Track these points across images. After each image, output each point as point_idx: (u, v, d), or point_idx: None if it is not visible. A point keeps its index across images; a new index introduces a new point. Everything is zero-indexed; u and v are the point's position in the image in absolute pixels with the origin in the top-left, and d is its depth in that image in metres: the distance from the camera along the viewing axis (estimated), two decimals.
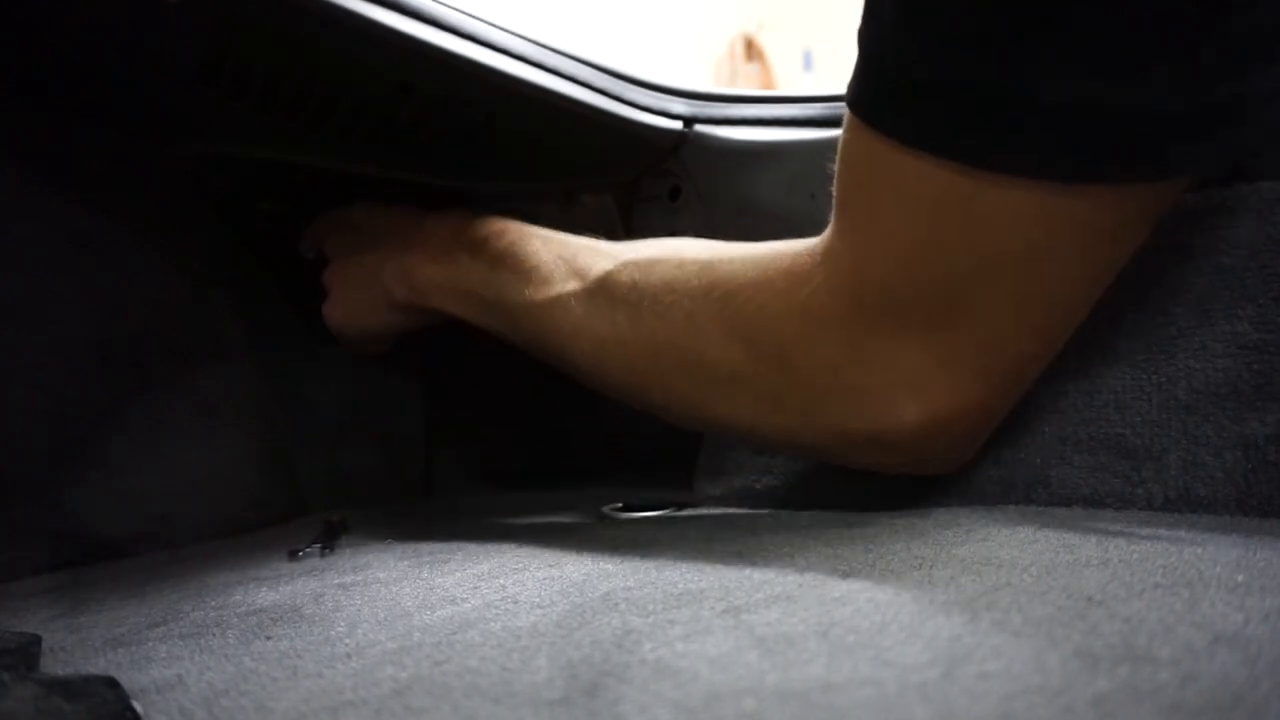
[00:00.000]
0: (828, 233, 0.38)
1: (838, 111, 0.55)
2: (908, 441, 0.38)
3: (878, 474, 0.45)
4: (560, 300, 0.48)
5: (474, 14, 0.51)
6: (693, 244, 0.46)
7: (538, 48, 0.53)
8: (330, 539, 0.49)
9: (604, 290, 0.46)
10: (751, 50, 3.67)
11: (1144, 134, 0.29)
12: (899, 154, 0.32)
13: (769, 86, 3.63)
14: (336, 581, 0.39)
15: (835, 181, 0.37)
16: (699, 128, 0.58)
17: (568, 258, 0.49)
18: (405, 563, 0.42)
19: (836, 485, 0.47)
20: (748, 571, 0.32)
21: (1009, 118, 0.30)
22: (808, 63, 3.71)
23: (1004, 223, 0.32)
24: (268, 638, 0.30)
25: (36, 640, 0.29)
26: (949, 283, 0.34)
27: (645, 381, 0.46)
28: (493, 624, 0.28)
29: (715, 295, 0.41)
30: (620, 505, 0.56)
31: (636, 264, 0.46)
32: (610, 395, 0.51)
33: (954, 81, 0.30)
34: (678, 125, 0.58)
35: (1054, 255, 0.33)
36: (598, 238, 0.51)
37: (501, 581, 0.35)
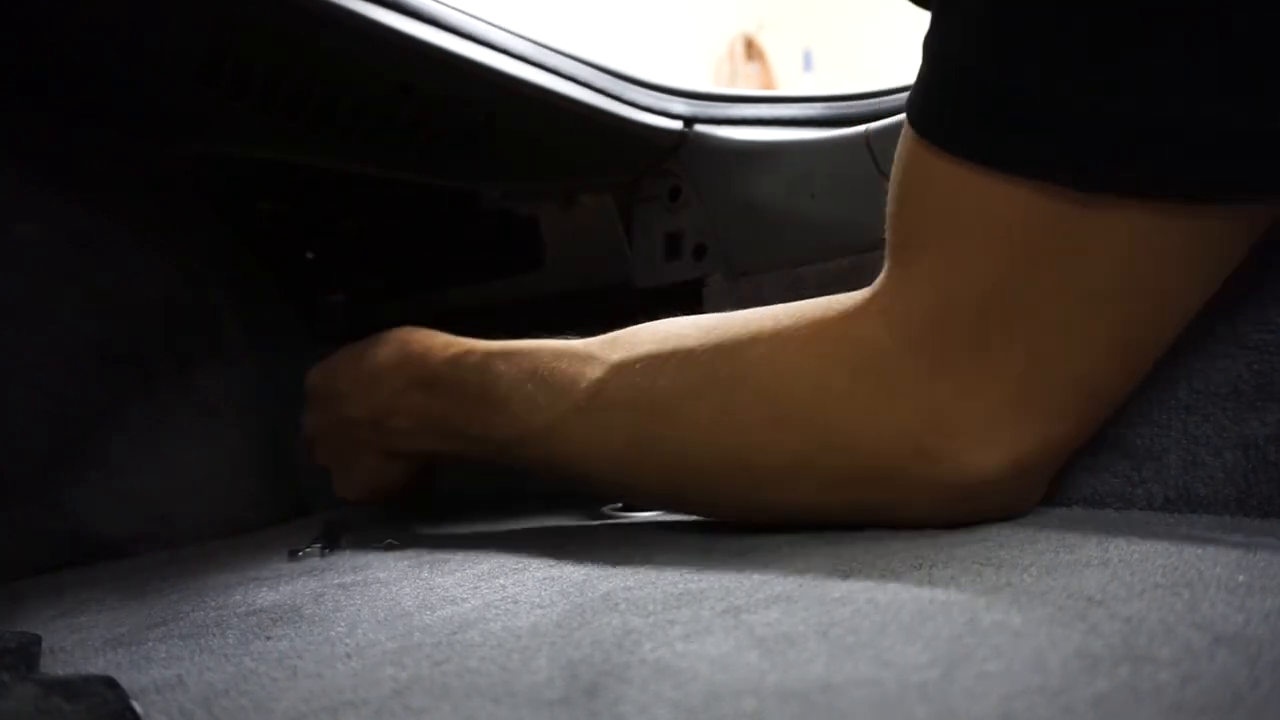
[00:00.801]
0: (882, 279, 0.34)
1: (838, 111, 0.55)
2: (991, 491, 0.34)
3: None
4: (552, 428, 0.42)
5: (474, 14, 0.51)
6: (687, 326, 0.40)
7: (538, 48, 0.53)
8: (330, 539, 0.49)
9: (603, 407, 0.40)
10: (751, 50, 3.67)
11: (1257, 151, 0.27)
12: (987, 180, 0.29)
13: (769, 86, 3.63)
14: (336, 581, 0.39)
15: (894, 216, 0.33)
16: (699, 128, 0.58)
17: (543, 375, 0.43)
18: (405, 563, 0.42)
19: None
20: (748, 571, 0.32)
21: (1119, 137, 0.27)
22: (808, 63, 3.71)
23: (1108, 250, 0.29)
24: (268, 638, 0.30)
25: (36, 640, 0.29)
26: (1038, 318, 0.31)
27: (681, 491, 0.41)
28: (493, 624, 0.28)
29: (749, 384, 0.36)
30: (620, 505, 0.56)
31: (632, 368, 0.40)
32: (641, 504, 0.46)
33: (1055, 100, 0.27)
34: (678, 125, 0.58)
35: (1156, 282, 0.30)
36: (567, 336, 0.45)
37: (501, 581, 0.35)
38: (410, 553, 0.45)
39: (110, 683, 0.23)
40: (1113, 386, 0.34)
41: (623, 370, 0.40)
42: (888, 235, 0.34)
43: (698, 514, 0.45)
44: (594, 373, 0.41)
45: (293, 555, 0.46)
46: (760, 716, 0.18)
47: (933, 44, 0.31)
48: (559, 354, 0.43)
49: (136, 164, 0.59)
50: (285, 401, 0.68)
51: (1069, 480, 0.40)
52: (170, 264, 0.59)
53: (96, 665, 0.29)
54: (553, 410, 0.42)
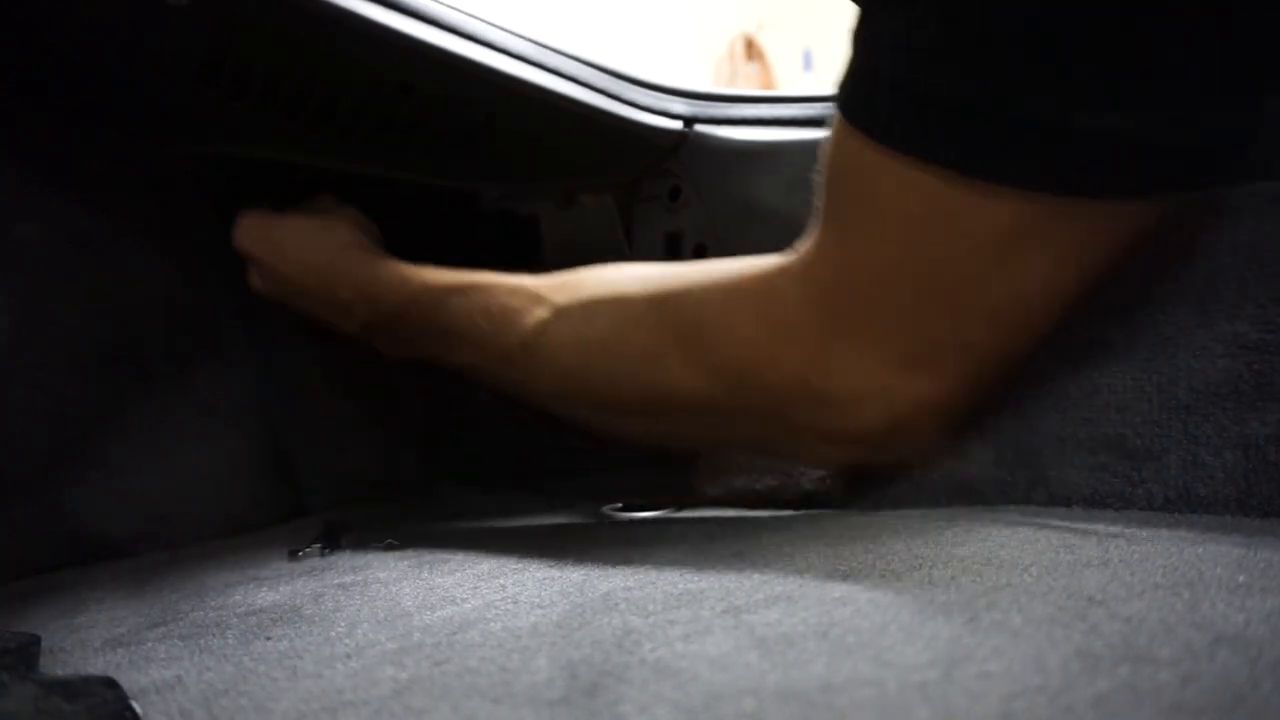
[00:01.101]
0: (804, 244, 0.38)
1: None
2: (874, 439, 0.39)
3: (877, 475, 0.45)
4: (501, 360, 0.48)
5: (474, 14, 0.51)
6: (630, 275, 0.45)
7: (538, 48, 0.53)
8: (330, 539, 0.49)
9: (546, 344, 0.45)
10: (751, 50, 3.67)
11: (1133, 156, 0.30)
12: (893, 162, 0.32)
13: (769, 86, 3.63)
14: (336, 581, 0.39)
15: (820, 188, 0.37)
16: (699, 128, 0.58)
17: (494, 312, 0.47)
18: (405, 563, 0.42)
19: (837, 485, 0.47)
20: (748, 571, 0.32)
21: (1007, 133, 0.30)
22: (808, 63, 3.71)
23: (988, 234, 0.33)
24: (268, 638, 0.30)
25: (36, 640, 0.29)
26: (924, 291, 0.35)
27: (609, 420, 0.47)
28: (493, 624, 0.28)
29: (673, 328, 0.41)
30: (620, 505, 0.56)
31: (574, 310, 0.44)
32: (574, 425, 0.51)
33: (955, 95, 0.30)
34: (678, 125, 0.58)
35: (1030, 266, 0.34)
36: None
37: (501, 581, 0.35)
38: (410, 553, 0.45)
39: (110, 683, 0.23)
40: (994, 356, 0.37)
41: (565, 312, 0.45)
42: (815, 204, 0.37)
43: (622, 438, 0.49)
44: (540, 313, 0.45)
45: (293, 555, 0.46)
46: (760, 716, 0.18)
47: (860, 36, 0.33)
48: (511, 291, 0.48)
49: (136, 164, 0.59)
50: (285, 401, 0.68)
51: (1069, 480, 0.40)
52: (170, 264, 0.59)
53: (96, 665, 0.29)
54: (501, 344, 0.47)
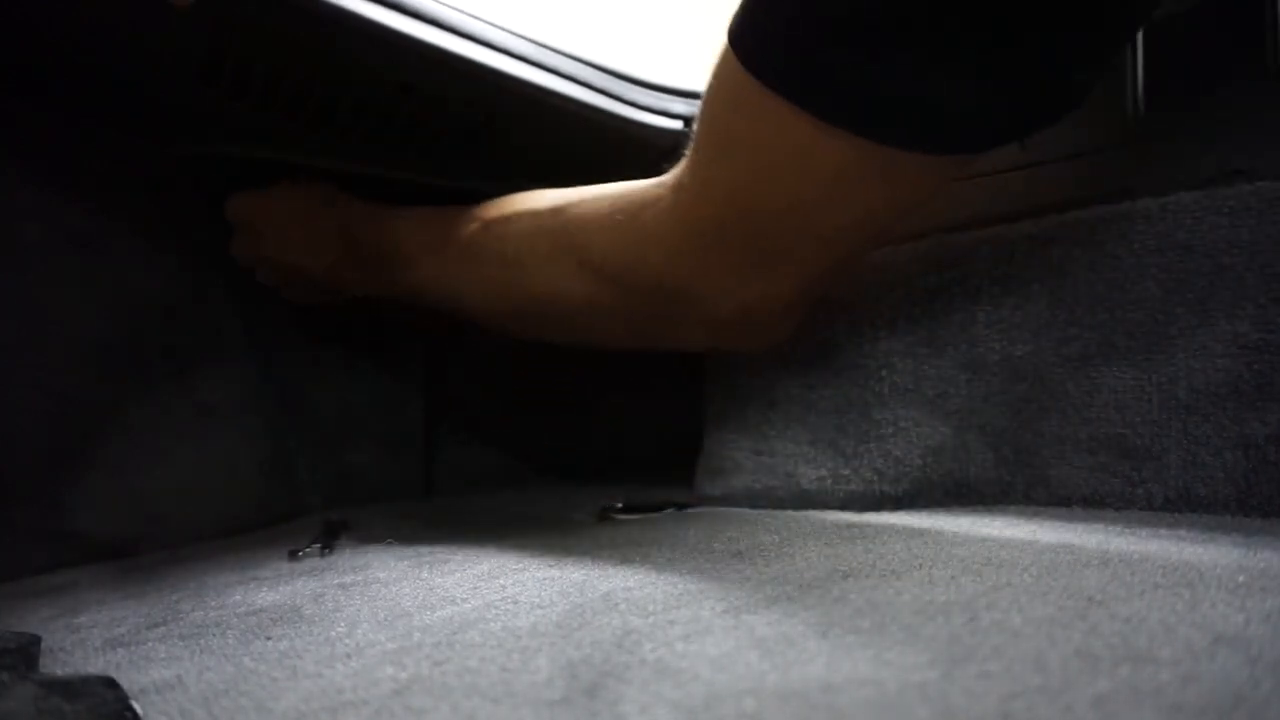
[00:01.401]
0: (679, 167, 0.43)
1: None
2: (728, 328, 0.48)
3: (877, 474, 0.46)
4: (440, 274, 0.56)
5: (474, 14, 0.51)
6: (544, 194, 0.52)
7: (538, 48, 0.53)
8: (330, 539, 0.49)
9: (473, 255, 0.54)
10: None
11: (936, 121, 0.36)
12: (760, 95, 0.36)
13: None
14: (336, 581, 0.39)
15: (700, 116, 0.42)
16: None
17: (437, 230, 0.56)
18: (405, 563, 0.42)
19: (836, 485, 0.47)
20: (748, 572, 0.32)
21: (849, 87, 0.35)
22: None
23: (826, 169, 0.38)
24: (268, 638, 0.30)
25: (36, 640, 0.29)
26: (769, 213, 0.41)
27: (524, 322, 0.56)
28: (493, 624, 0.28)
29: (567, 236, 0.49)
30: (620, 505, 0.56)
31: (495, 223, 0.53)
32: (506, 334, 0.60)
33: (816, 50, 0.34)
34: (678, 125, 0.58)
35: (856, 200, 0.40)
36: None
37: (501, 581, 0.35)
38: (410, 553, 0.45)
39: (110, 683, 0.23)
40: (817, 270, 0.45)
41: (490, 225, 0.53)
42: (693, 130, 0.42)
43: (539, 339, 0.59)
44: (472, 226, 0.54)
45: (293, 555, 0.46)
46: (760, 716, 0.18)
47: None
48: (455, 213, 0.56)
49: (136, 164, 0.59)
50: (285, 401, 0.68)
51: (1069, 480, 0.40)
52: (170, 264, 0.59)
53: (96, 665, 0.29)
54: (444, 259, 0.56)
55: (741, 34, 0.37)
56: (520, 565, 0.38)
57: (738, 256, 0.44)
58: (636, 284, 0.47)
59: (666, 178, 0.45)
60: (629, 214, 0.46)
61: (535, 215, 0.51)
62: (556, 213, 0.50)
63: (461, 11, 0.50)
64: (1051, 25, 0.32)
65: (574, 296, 0.50)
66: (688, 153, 0.43)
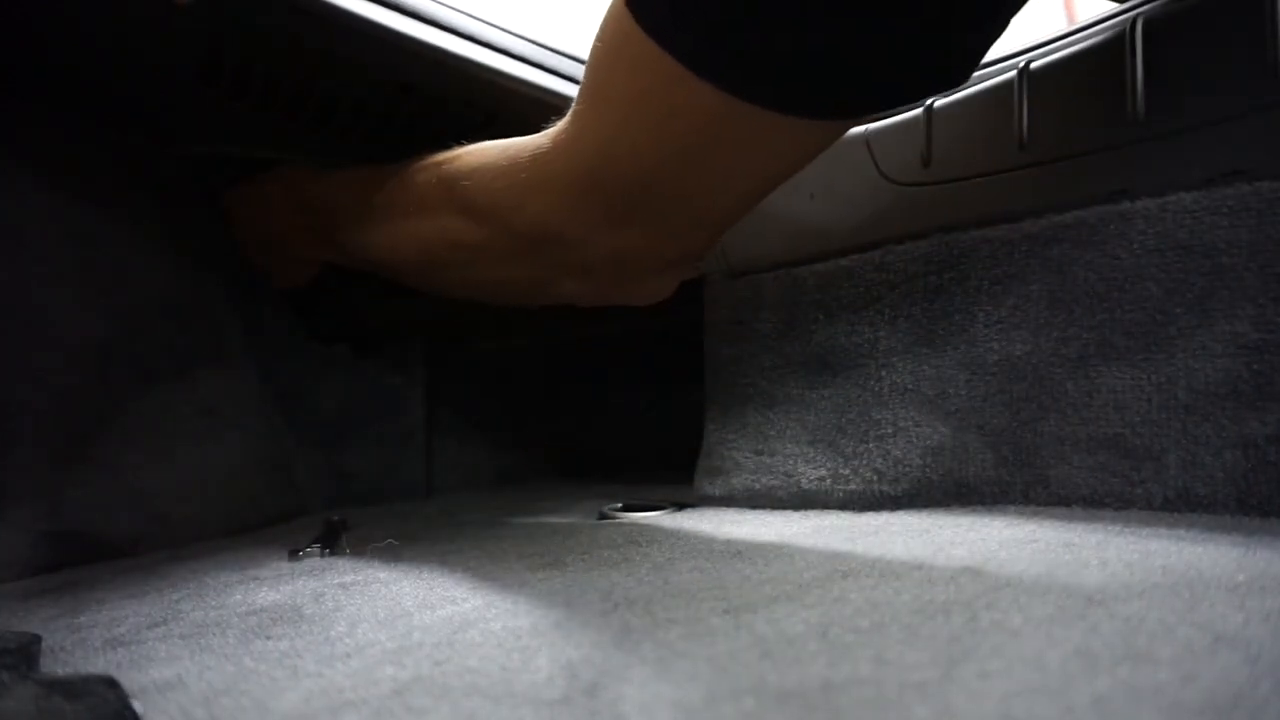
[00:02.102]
0: (565, 119, 0.44)
1: None
2: (604, 275, 0.51)
3: (877, 474, 0.45)
4: (361, 226, 0.59)
5: (474, 14, 0.51)
6: (458, 150, 0.53)
7: (538, 48, 0.53)
8: (330, 539, 0.49)
9: (383, 208, 0.57)
10: None
11: (825, 82, 0.35)
12: (640, 42, 0.36)
13: None
14: (336, 581, 0.39)
15: (588, 70, 0.42)
16: None
17: (359, 188, 0.58)
18: (405, 563, 0.42)
19: (836, 485, 0.47)
20: (748, 572, 0.32)
21: (727, 44, 0.35)
22: None
23: (695, 124, 0.38)
24: (268, 637, 0.30)
25: (36, 640, 0.29)
26: (637, 169, 0.42)
27: (423, 273, 0.60)
28: (493, 623, 0.28)
29: (454, 183, 0.51)
30: (620, 505, 0.56)
31: (404, 175, 0.55)
32: (417, 287, 0.64)
33: (711, 7, 0.34)
34: None
35: (720, 159, 0.40)
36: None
37: (502, 581, 0.35)
38: (410, 553, 0.45)
39: (110, 683, 0.23)
40: (680, 224, 0.47)
41: (401, 180, 0.55)
42: (582, 82, 0.42)
43: (441, 292, 0.63)
44: (388, 184, 0.56)
45: (293, 555, 0.46)
46: (760, 716, 0.18)
47: None
48: (377, 173, 0.58)
49: (136, 164, 0.59)
50: (285, 402, 0.68)
51: (1069, 480, 0.40)
52: (170, 264, 0.59)
53: (96, 665, 0.29)
54: (361, 215, 0.58)
55: None
56: (520, 565, 0.38)
57: (610, 207, 0.45)
58: (516, 228, 0.49)
59: (552, 129, 0.46)
60: (513, 160, 0.47)
61: (434, 164, 0.53)
62: (452, 160, 0.52)
63: (461, 12, 0.50)
64: None
65: (460, 242, 0.53)
66: (573, 105, 0.44)
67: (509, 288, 0.57)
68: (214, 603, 0.37)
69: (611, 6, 0.39)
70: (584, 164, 0.44)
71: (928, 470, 0.44)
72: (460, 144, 0.59)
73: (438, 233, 0.54)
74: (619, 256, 0.48)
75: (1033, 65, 0.43)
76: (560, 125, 0.45)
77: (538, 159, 0.46)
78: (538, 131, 0.58)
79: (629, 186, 0.43)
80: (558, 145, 0.45)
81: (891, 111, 0.51)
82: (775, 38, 0.33)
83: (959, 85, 0.38)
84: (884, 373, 0.47)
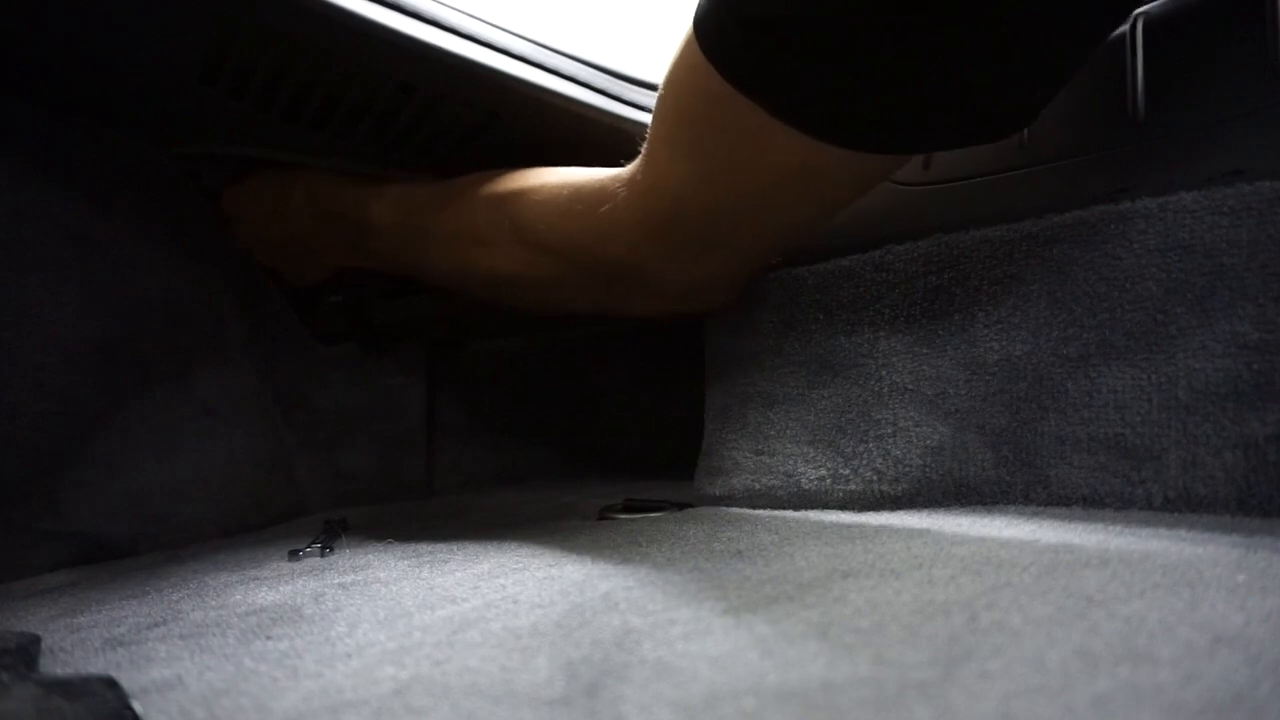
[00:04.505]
0: (636, 162, 0.46)
1: None
2: (679, 299, 0.53)
3: (877, 474, 0.46)
4: (408, 242, 0.61)
5: (475, 14, 0.51)
6: (501, 177, 0.56)
7: (538, 48, 0.53)
8: (330, 539, 0.49)
9: (437, 229, 0.58)
10: None
11: (904, 124, 0.37)
12: (726, 89, 0.37)
13: None
14: (336, 581, 0.39)
15: (657, 107, 0.43)
16: None
17: (400, 205, 0.60)
18: (405, 563, 0.42)
19: (836, 485, 0.47)
20: (748, 572, 0.32)
21: (810, 93, 0.36)
22: None
23: (778, 168, 0.40)
24: (268, 638, 0.30)
25: (36, 640, 0.29)
26: (722, 211, 0.44)
27: (490, 291, 0.61)
28: (493, 624, 0.28)
29: (528, 222, 0.53)
30: (620, 505, 0.56)
31: (462, 203, 0.57)
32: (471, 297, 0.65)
33: (789, 53, 0.34)
34: None
35: (798, 199, 0.42)
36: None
37: (501, 581, 0.35)
38: (410, 553, 0.45)
39: (110, 683, 0.23)
40: (762, 256, 0.51)
41: (455, 206, 0.57)
42: (651, 125, 0.44)
43: (509, 306, 0.64)
44: (436, 205, 0.58)
45: (293, 555, 0.46)
46: (760, 716, 0.18)
47: None
48: (420, 193, 0.60)
49: (136, 164, 0.59)
50: (285, 401, 0.68)
51: (1069, 480, 0.40)
52: (170, 264, 0.59)
53: (96, 665, 0.29)
54: (408, 232, 0.60)
55: (705, 21, 0.37)
56: (520, 565, 0.38)
57: (688, 246, 0.48)
58: (594, 265, 0.52)
59: (623, 171, 0.47)
60: (588, 205, 0.49)
61: (499, 199, 0.55)
62: (518, 198, 0.53)
63: (462, 12, 0.50)
64: (1010, 43, 0.33)
65: (537, 274, 0.55)
66: (644, 148, 0.45)
67: (583, 309, 0.60)
68: (214, 603, 0.37)
69: (683, 58, 0.40)
70: (662, 208, 0.45)
71: (928, 470, 0.44)
72: (470, 146, 0.59)
73: (509, 264, 0.55)
74: (696, 283, 0.51)
75: None
76: (633, 169, 0.46)
77: (615, 206, 0.47)
78: (537, 131, 0.58)
79: (710, 228, 0.46)
80: (634, 189, 0.46)
81: None
82: (865, 89, 0.34)
83: (1018, 130, 0.40)
84: (884, 373, 0.47)
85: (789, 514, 0.47)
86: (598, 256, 0.51)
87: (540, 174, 0.54)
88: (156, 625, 0.34)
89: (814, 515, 0.46)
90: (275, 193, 0.65)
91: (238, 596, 0.37)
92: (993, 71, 0.34)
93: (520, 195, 0.54)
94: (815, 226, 0.48)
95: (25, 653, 0.28)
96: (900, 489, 0.45)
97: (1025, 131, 0.43)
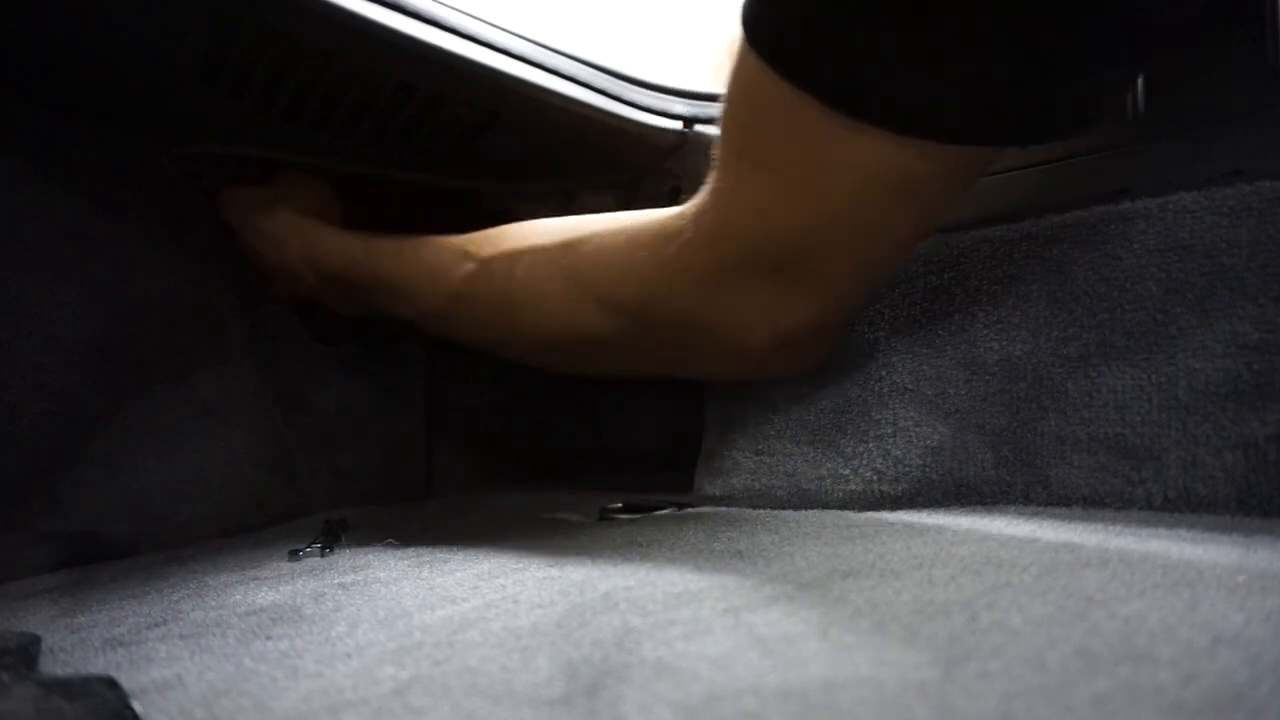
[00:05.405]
0: (700, 194, 0.41)
1: None
2: (762, 357, 0.45)
3: (877, 474, 0.46)
4: (435, 311, 0.55)
5: (475, 15, 0.51)
6: (546, 227, 0.50)
7: (539, 48, 0.53)
8: (330, 539, 0.49)
9: (474, 295, 0.52)
10: None
11: (990, 109, 0.33)
12: (792, 94, 0.34)
13: None
14: (336, 581, 0.39)
15: (724, 129, 0.39)
16: (699, 128, 0.58)
17: (425, 269, 0.54)
18: (405, 563, 0.42)
19: (836, 485, 0.47)
20: (748, 571, 0.32)
21: (895, 81, 0.32)
22: None
23: (868, 177, 0.35)
24: (268, 638, 0.30)
25: (36, 640, 0.29)
26: (803, 229, 0.38)
27: (539, 356, 0.55)
28: (493, 623, 0.28)
29: (581, 275, 0.46)
30: (620, 505, 0.56)
31: (495, 262, 0.50)
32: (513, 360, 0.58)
33: (855, 42, 0.32)
34: (678, 125, 0.58)
35: (894, 210, 0.37)
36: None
37: (501, 581, 0.35)
38: (410, 553, 0.45)
39: (110, 683, 0.23)
40: (855, 289, 0.43)
41: (489, 264, 0.51)
42: (719, 149, 0.40)
43: (553, 371, 0.57)
44: (468, 266, 0.52)
45: (293, 555, 0.46)
46: (760, 716, 0.18)
47: None
48: (441, 248, 0.54)
49: (136, 164, 0.59)
50: (285, 401, 0.68)
51: (1069, 480, 0.40)
52: (170, 264, 0.59)
53: (96, 665, 0.29)
54: (435, 297, 0.54)
55: (757, 21, 0.34)
56: (520, 565, 0.38)
57: (771, 282, 0.41)
58: (661, 319, 0.44)
59: (686, 207, 0.42)
60: (650, 250, 0.43)
61: (543, 252, 0.48)
62: (567, 250, 0.47)
63: (462, 12, 0.50)
64: (1099, 13, 0.30)
65: (592, 334, 0.47)
66: (709, 179, 0.40)
67: (645, 371, 0.53)
68: (214, 603, 0.37)
69: (740, 66, 0.36)
70: (740, 240, 0.40)
71: (928, 470, 0.44)
72: (469, 146, 0.58)
73: (559, 324, 0.48)
74: (782, 333, 0.43)
75: None
76: (698, 202, 0.41)
77: (682, 246, 0.41)
78: (537, 131, 0.58)
79: (793, 255, 0.40)
80: (702, 224, 0.41)
81: None
82: (947, 70, 0.31)
83: (1095, 126, 0.37)
84: (884, 373, 0.47)
85: (789, 514, 0.47)
86: (664, 307, 0.44)
87: (583, 224, 0.48)
88: (156, 625, 0.34)
89: (814, 515, 0.46)
90: (270, 244, 0.61)
91: (238, 596, 0.37)
92: (1089, 49, 0.31)
93: (570, 247, 0.47)
94: (912, 245, 0.42)
95: (25, 653, 0.28)
96: (900, 489, 0.45)
97: None
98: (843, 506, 0.47)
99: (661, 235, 0.42)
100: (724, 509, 0.52)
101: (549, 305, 0.48)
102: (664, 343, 0.46)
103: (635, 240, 0.44)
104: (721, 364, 0.47)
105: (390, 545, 0.47)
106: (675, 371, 0.50)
